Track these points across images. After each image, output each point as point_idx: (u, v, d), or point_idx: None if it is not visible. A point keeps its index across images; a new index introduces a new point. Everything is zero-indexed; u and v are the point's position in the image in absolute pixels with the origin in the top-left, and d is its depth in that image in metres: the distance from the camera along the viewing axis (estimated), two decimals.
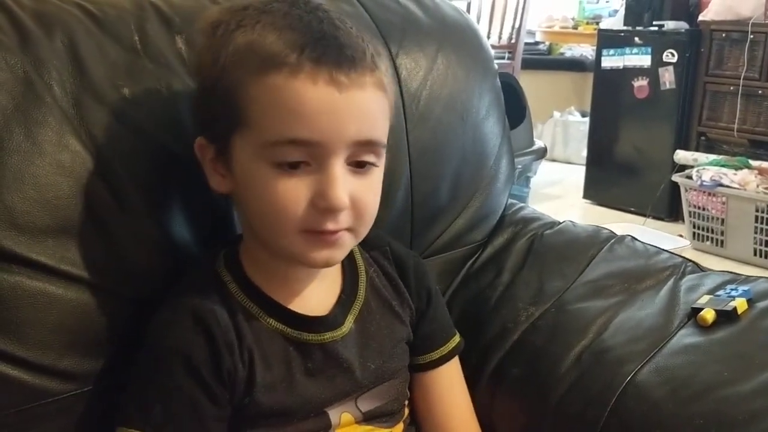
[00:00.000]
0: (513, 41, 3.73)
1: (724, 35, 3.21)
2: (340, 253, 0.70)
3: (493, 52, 1.14)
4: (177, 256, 0.77)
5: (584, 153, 3.85)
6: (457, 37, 1.05)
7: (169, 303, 0.71)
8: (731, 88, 3.18)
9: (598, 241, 1.02)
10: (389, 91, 0.70)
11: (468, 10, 3.37)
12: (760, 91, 3.10)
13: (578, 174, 3.89)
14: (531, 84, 3.56)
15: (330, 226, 0.66)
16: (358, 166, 0.67)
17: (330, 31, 0.65)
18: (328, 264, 0.71)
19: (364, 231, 0.71)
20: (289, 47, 0.63)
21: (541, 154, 3.20)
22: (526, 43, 4.02)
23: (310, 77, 0.63)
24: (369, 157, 0.68)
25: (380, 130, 0.68)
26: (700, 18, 3.29)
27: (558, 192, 3.94)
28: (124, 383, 0.70)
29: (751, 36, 3.08)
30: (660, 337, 0.83)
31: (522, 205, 1.15)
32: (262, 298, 0.73)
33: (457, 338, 0.87)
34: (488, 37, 3.47)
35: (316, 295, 0.76)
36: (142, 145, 0.75)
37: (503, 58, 3.69)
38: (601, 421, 0.79)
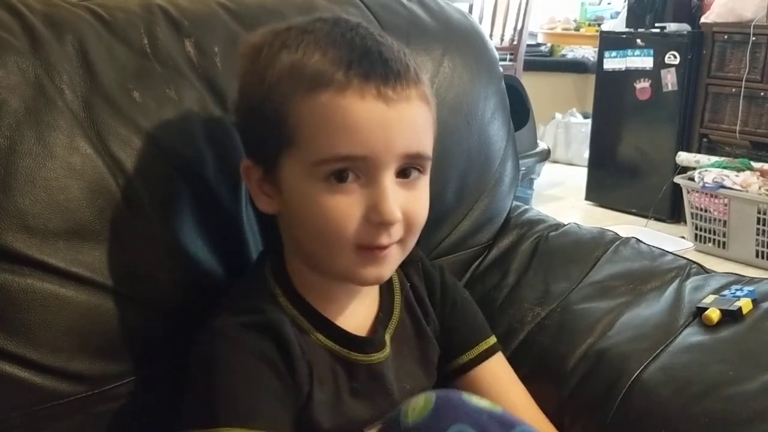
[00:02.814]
0: (515, 43, 3.73)
1: (726, 37, 3.21)
2: (389, 270, 0.71)
3: None
4: (188, 261, 0.77)
5: (586, 155, 3.85)
6: (463, 40, 1.06)
7: (231, 310, 0.70)
8: (733, 90, 3.18)
9: (603, 242, 1.02)
10: (432, 103, 0.70)
11: (470, 12, 3.38)
12: (762, 93, 3.10)
13: (580, 176, 3.89)
14: (533, 86, 3.55)
15: (384, 240, 0.66)
16: (404, 176, 0.68)
17: (374, 47, 0.65)
18: (377, 281, 0.72)
19: (411, 243, 0.71)
20: (336, 64, 0.64)
21: (545, 156, 3.20)
22: (528, 45, 4.02)
23: (358, 93, 0.63)
24: (414, 169, 0.68)
25: (426, 143, 0.69)
26: (702, 20, 3.30)
27: (560, 194, 3.94)
28: (135, 385, 0.71)
29: (753, 38, 3.08)
30: (665, 335, 0.83)
31: (527, 207, 1.16)
32: (312, 313, 0.72)
33: (490, 340, 0.85)
34: (490, 39, 3.47)
35: (358, 313, 0.76)
36: (152, 149, 0.75)
37: (505, 59, 3.69)
38: (607, 419, 0.79)
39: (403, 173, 0.67)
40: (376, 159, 0.64)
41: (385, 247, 0.67)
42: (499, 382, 0.84)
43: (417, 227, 0.70)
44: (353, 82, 0.63)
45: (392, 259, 0.69)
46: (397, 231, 0.67)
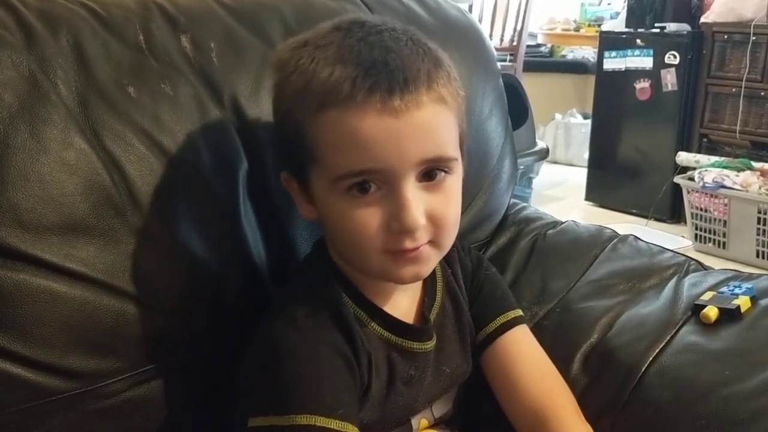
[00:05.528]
0: (515, 44, 3.74)
1: (726, 37, 3.21)
2: (426, 268, 0.71)
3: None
4: (183, 256, 0.76)
5: (586, 155, 3.85)
6: (460, 37, 1.05)
7: (298, 300, 0.71)
8: (733, 89, 3.18)
9: (601, 240, 1.02)
10: (451, 101, 0.68)
11: (470, 12, 3.37)
12: (762, 93, 3.10)
13: (580, 176, 3.90)
14: (533, 86, 3.55)
15: (408, 244, 0.67)
16: (429, 178, 0.67)
17: (380, 57, 0.64)
18: (416, 279, 0.73)
19: (447, 242, 0.71)
20: (341, 81, 0.64)
21: (543, 154, 3.20)
22: (527, 46, 4.02)
23: (362, 108, 0.63)
24: (439, 170, 0.68)
25: (446, 145, 0.68)
26: (702, 20, 3.29)
27: (560, 194, 3.94)
28: (129, 382, 0.70)
29: (753, 38, 3.08)
30: (664, 334, 0.83)
31: (524, 204, 1.15)
32: (366, 303, 0.74)
33: (513, 313, 0.84)
34: (490, 39, 3.47)
35: (404, 300, 0.77)
36: (147, 144, 0.75)
37: (505, 60, 3.69)
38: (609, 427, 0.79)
39: (428, 175, 0.67)
40: (392, 171, 0.65)
41: (413, 250, 0.67)
42: (521, 351, 0.83)
43: (447, 227, 0.69)
44: (357, 97, 0.63)
45: (427, 258, 0.69)
46: (422, 234, 0.67)
